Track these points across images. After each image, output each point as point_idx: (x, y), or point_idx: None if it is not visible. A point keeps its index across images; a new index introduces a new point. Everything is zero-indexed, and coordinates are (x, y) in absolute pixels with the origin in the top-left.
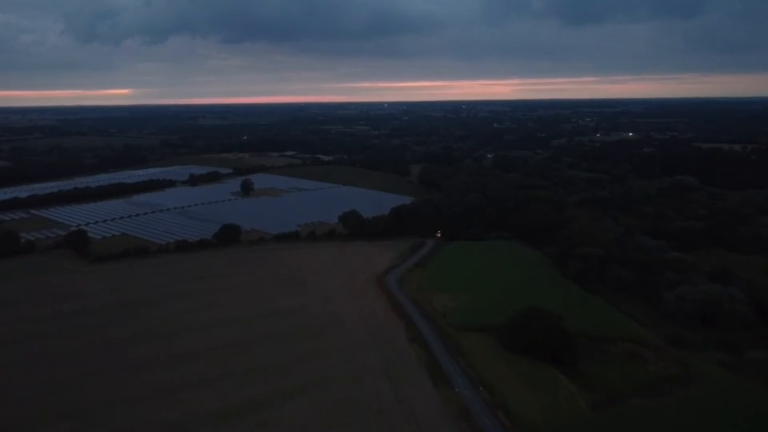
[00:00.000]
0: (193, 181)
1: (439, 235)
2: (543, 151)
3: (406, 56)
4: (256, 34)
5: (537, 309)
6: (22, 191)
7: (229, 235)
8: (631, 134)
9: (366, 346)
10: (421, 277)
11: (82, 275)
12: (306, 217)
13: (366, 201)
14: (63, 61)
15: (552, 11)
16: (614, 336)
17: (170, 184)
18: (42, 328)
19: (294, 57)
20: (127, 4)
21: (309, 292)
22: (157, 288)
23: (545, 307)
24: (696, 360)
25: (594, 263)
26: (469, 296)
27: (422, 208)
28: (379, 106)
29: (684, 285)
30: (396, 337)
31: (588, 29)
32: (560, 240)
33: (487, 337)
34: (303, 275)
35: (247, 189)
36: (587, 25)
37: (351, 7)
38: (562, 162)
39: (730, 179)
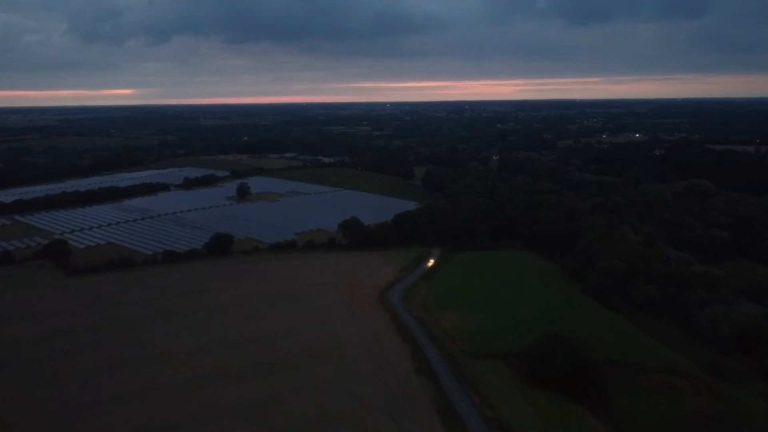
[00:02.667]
0: (188, 184)
1: (445, 244)
2: (549, 152)
3: (410, 56)
4: (260, 34)
5: (559, 335)
6: (9, 195)
7: (220, 245)
8: (638, 135)
9: (367, 377)
10: (428, 293)
11: (59, 291)
12: (304, 224)
13: (368, 206)
14: (66, 61)
15: (556, 11)
16: (645, 364)
17: (164, 187)
18: (3, 356)
19: (297, 57)
20: (130, 4)
21: (304, 311)
22: (137, 306)
23: (568, 331)
24: (739, 394)
25: (615, 278)
26: (480, 316)
27: (427, 215)
28: (381, 106)
29: (717, 304)
30: (401, 366)
31: (592, 29)
32: (577, 251)
33: (503, 366)
34: (298, 291)
35: (243, 193)
36: (592, 26)
37: (354, 7)
38: (571, 164)
39: (748, 183)
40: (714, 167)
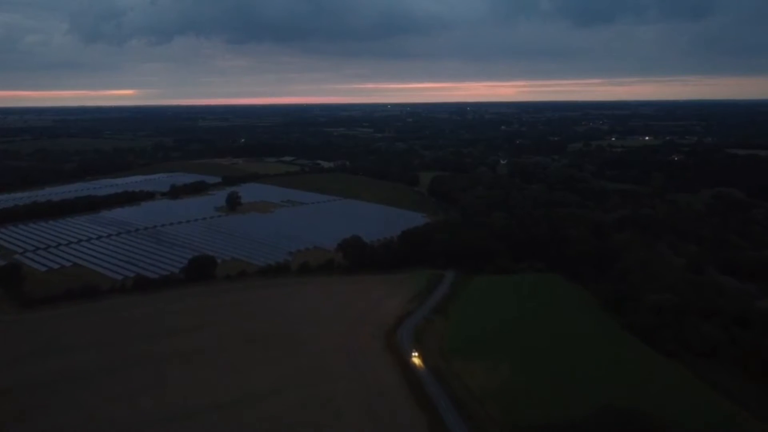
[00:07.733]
0: (175, 192)
1: (460, 265)
2: (560, 156)
3: (412, 57)
4: (261, 34)
5: (627, 410)
6: None
7: (201, 270)
8: (647, 138)
9: None
10: (444, 332)
11: (3, 329)
12: (299, 242)
13: (370, 219)
14: (68, 61)
15: (561, 12)
16: None
17: (148, 196)
18: None
19: (299, 58)
20: (132, 4)
21: (294, 361)
22: (91, 353)
23: (622, 390)
24: None
25: (668, 316)
26: (510, 367)
27: (438, 232)
28: (383, 107)
29: None
30: None
31: (596, 31)
32: (613, 276)
33: None
34: (288, 331)
35: (233, 204)
36: (596, 27)
37: (357, 7)
38: (585, 170)
39: None
40: (740, 174)
